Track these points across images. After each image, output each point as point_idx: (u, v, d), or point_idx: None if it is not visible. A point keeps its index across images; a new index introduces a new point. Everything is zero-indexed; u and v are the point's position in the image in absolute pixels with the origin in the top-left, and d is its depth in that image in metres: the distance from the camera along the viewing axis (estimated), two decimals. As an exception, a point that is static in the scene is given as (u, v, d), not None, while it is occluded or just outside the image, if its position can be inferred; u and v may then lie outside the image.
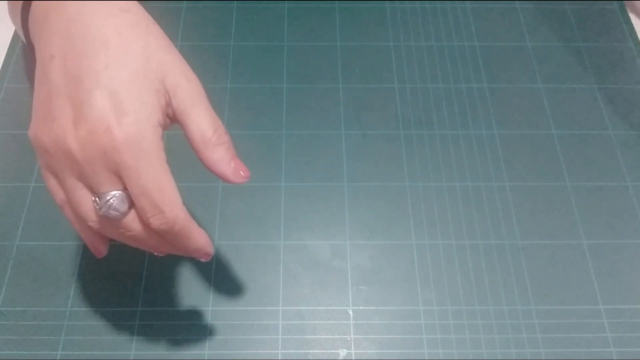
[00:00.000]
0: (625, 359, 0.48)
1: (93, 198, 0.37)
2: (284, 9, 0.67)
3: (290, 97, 0.61)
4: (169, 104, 0.38)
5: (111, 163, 0.36)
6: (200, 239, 0.40)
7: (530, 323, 0.49)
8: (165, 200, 0.36)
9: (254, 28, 0.66)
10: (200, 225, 0.53)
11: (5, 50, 0.64)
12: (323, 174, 0.56)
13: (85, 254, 0.51)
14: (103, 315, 0.49)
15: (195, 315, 0.49)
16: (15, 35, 0.65)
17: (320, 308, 0.50)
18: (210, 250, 0.41)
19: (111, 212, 0.37)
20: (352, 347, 0.48)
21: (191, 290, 0.50)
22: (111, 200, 0.36)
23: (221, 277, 0.51)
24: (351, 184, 0.56)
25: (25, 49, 0.63)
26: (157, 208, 0.36)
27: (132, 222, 0.38)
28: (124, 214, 0.37)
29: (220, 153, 0.40)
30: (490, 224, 0.54)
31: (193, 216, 0.50)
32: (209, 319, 0.49)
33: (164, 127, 0.38)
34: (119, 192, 0.36)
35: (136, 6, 0.39)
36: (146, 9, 0.67)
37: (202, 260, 0.42)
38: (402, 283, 0.51)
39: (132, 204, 0.37)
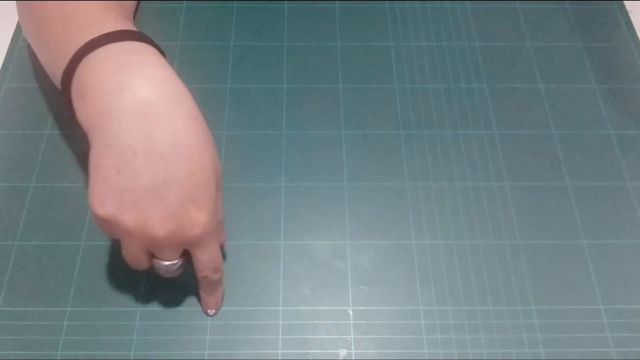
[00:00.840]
0: (625, 359, 0.48)
1: (153, 261, 0.45)
2: (284, 9, 0.67)
3: (290, 97, 0.61)
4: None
5: (187, 245, 0.43)
6: (221, 293, 0.49)
7: (530, 323, 0.49)
8: (220, 261, 0.46)
9: (254, 28, 0.66)
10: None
11: (5, 51, 0.64)
12: (323, 174, 0.56)
13: (85, 254, 0.51)
14: (103, 315, 0.49)
15: (195, 315, 0.49)
16: (15, 35, 0.65)
17: (320, 308, 0.50)
18: (220, 306, 0.50)
19: (165, 273, 0.45)
20: (352, 347, 0.48)
21: (191, 290, 0.50)
22: (171, 266, 0.45)
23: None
24: (351, 184, 0.56)
25: (27, 47, 0.63)
26: (217, 268, 0.46)
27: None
28: (176, 274, 0.46)
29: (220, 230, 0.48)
30: (490, 224, 0.54)
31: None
32: (209, 319, 0.49)
33: None
34: (180, 261, 0.45)
35: (199, 112, 0.43)
36: (146, 9, 0.67)
37: (210, 313, 0.49)
38: (402, 283, 0.51)
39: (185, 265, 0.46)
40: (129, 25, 0.46)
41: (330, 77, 0.62)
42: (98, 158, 0.41)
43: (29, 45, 0.63)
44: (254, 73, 0.62)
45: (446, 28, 0.66)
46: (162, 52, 0.46)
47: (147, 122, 0.40)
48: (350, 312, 0.49)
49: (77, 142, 0.57)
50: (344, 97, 0.61)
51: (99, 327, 0.48)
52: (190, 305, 0.49)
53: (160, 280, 0.47)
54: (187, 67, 0.62)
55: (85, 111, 0.42)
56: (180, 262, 0.44)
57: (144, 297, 0.49)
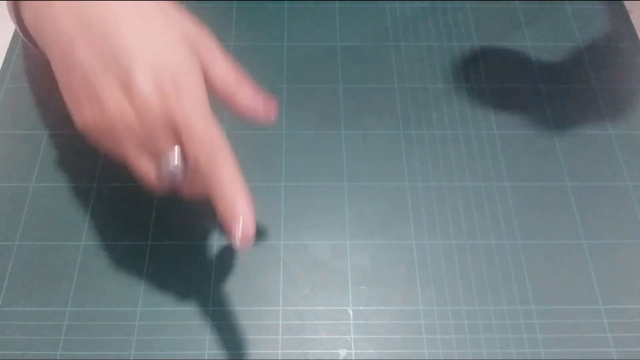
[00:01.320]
0: (625, 359, 0.48)
1: (155, 163, 0.41)
2: (284, 9, 0.67)
3: (290, 97, 0.61)
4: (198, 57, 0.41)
5: (168, 121, 0.39)
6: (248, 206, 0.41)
7: (530, 323, 0.49)
8: (215, 131, 0.40)
9: (253, 28, 0.66)
10: (200, 224, 0.53)
11: (5, 51, 0.64)
12: (323, 174, 0.56)
13: (85, 254, 0.51)
14: (103, 315, 0.49)
15: (195, 315, 0.49)
16: (15, 35, 0.65)
17: (320, 308, 0.50)
18: (252, 231, 0.40)
19: (174, 171, 0.40)
20: (352, 347, 0.48)
21: (191, 290, 0.50)
22: (173, 159, 0.40)
23: (221, 277, 0.51)
24: (351, 184, 0.56)
25: (25, 47, 0.63)
26: (208, 152, 0.40)
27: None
28: (184, 172, 0.41)
29: (248, 90, 0.44)
30: (490, 224, 0.54)
31: (193, 215, 0.51)
32: (209, 319, 0.49)
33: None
34: (177, 150, 0.40)
35: None
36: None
37: (239, 243, 0.40)
38: (402, 283, 0.51)
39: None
40: None
41: (330, 77, 0.62)
42: (55, 73, 0.40)
43: (24, 44, 0.63)
44: (254, 73, 0.62)
45: (446, 28, 0.66)
46: None
47: (79, 10, 0.38)
48: (350, 312, 0.49)
49: (77, 142, 0.57)
50: (344, 97, 0.61)
51: (99, 327, 0.48)
52: (190, 305, 0.49)
53: (160, 280, 0.47)
54: (187, 67, 0.62)
55: (33, 30, 0.41)
56: (178, 152, 0.40)
57: (144, 297, 0.49)
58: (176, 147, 0.40)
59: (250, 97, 0.44)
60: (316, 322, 0.49)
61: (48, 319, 0.49)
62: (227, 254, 0.52)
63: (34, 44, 0.44)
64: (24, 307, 0.49)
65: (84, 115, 0.39)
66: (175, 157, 0.40)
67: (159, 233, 0.52)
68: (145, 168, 0.41)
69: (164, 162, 0.40)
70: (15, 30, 0.65)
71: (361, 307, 0.50)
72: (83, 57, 0.38)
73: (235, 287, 0.50)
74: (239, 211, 0.40)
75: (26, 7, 0.42)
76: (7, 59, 0.63)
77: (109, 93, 0.38)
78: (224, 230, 0.45)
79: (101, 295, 0.50)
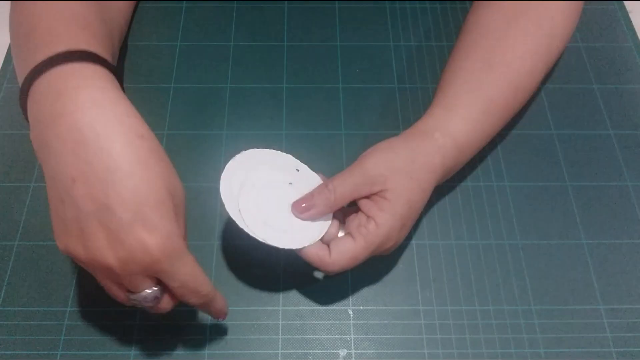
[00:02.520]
0: (625, 359, 0.48)
1: (127, 294, 0.42)
2: (284, 9, 0.67)
3: (290, 97, 0.61)
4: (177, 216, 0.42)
5: (150, 272, 0.40)
6: (221, 303, 0.45)
7: (530, 323, 0.49)
8: (199, 284, 0.42)
9: (253, 28, 0.66)
10: (200, 226, 0.53)
11: (5, 51, 0.64)
12: (323, 174, 0.56)
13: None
14: (103, 315, 0.49)
15: (195, 315, 0.49)
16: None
17: (320, 308, 0.50)
18: (226, 311, 0.46)
19: (145, 304, 0.42)
20: (352, 347, 0.48)
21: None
22: (146, 296, 0.41)
23: (221, 277, 0.51)
24: (351, 184, 0.55)
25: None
26: (195, 292, 0.42)
27: (165, 304, 0.43)
28: (156, 304, 0.43)
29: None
30: (490, 224, 0.54)
31: (193, 217, 0.50)
32: (209, 318, 0.49)
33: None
34: (154, 290, 0.41)
35: (147, 130, 0.41)
36: (146, 9, 0.67)
37: (220, 319, 0.47)
38: (402, 283, 0.51)
39: (163, 294, 0.43)
40: (86, 41, 0.44)
41: (330, 77, 0.62)
42: (48, 192, 0.41)
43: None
44: (254, 73, 0.62)
45: (446, 28, 0.66)
46: (113, 72, 0.44)
47: (84, 147, 0.39)
48: (350, 312, 0.49)
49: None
50: (344, 97, 0.61)
51: (99, 327, 0.48)
52: (188, 307, 0.49)
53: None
54: (186, 67, 0.62)
55: (34, 143, 0.42)
56: (154, 291, 0.41)
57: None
58: (153, 289, 0.41)
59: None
60: (316, 322, 0.49)
61: (48, 318, 0.49)
62: (227, 254, 0.52)
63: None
64: (23, 307, 0.49)
65: (67, 244, 0.40)
66: (148, 296, 0.41)
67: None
68: (118, 294, 0.43)
69: (138, 296, 0.42)
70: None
71: (361, 307, 0.50)
72: (80, 196, 0.38)
73: (235, 288, 0.50)
74: (217, 313, 0.45)
75: (31, 103, 0.43)
76: (7, 59, 0.63)
77: (95, 237, 0.39)
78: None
79: (101, 296, 0.49)
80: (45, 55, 0.42)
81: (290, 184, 0.50)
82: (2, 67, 0.62)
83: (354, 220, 0.48)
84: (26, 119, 0.43)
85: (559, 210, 0.55)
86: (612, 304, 0.50)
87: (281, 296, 0.50)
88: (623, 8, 0.68)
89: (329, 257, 0.46)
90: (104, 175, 0.38)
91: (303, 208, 0.48)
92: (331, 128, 0.59)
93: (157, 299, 0.42)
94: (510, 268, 0.52)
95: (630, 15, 0.68)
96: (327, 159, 0.57)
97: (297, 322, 0.49)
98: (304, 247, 0.46)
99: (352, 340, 0.48)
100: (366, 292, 0.50)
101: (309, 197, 0.48)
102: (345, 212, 0.49)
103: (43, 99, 0.41)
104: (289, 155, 0.51)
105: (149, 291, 0.41)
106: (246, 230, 0.45)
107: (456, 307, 0.50)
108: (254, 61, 0.63)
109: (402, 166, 0.48)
